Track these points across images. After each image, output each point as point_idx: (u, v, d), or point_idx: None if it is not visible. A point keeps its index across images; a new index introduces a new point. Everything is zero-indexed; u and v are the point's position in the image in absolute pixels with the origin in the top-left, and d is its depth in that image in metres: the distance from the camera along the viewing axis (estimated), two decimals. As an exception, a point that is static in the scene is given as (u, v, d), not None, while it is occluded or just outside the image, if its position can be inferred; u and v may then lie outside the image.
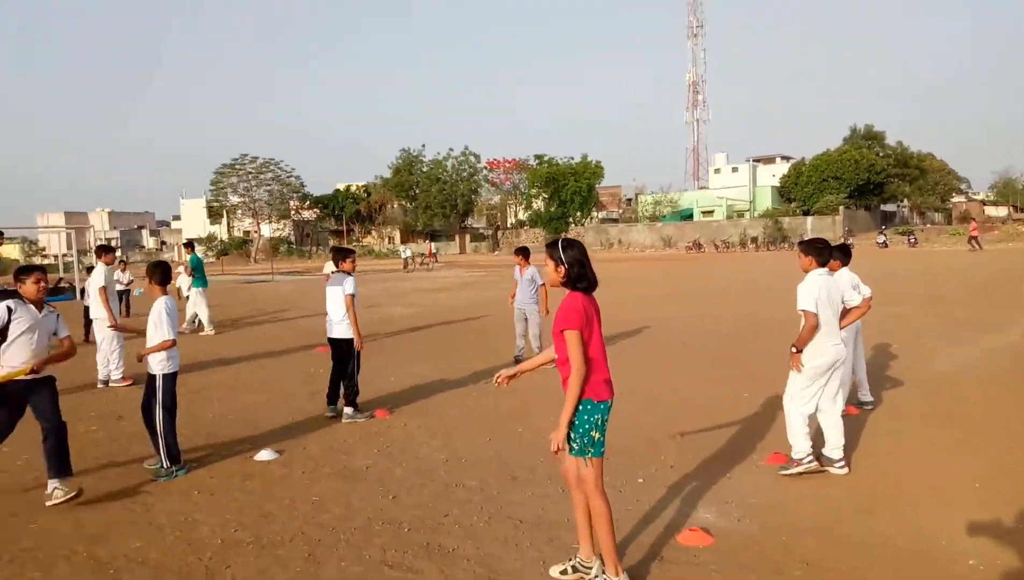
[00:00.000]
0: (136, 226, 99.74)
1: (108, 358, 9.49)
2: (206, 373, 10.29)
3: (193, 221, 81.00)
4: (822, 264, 5.54)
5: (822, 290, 5.42)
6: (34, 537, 4.66)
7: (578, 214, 66.87)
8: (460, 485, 5.43)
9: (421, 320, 16.21)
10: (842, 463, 5.42)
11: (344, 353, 7.44)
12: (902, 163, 67.80)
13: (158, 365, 5.79)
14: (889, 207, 73.54)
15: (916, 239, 47.91)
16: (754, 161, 75.60)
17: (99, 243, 13.71)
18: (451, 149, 72.34)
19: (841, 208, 57.76)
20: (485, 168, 72.29)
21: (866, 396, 7.40)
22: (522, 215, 74.35)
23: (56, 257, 69.39)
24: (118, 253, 13.36)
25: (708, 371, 9.44)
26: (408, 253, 44.82)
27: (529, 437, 6.60)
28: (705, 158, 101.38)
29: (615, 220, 76.33)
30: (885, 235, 48.82)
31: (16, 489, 5.58)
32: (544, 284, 10.02)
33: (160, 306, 5.80)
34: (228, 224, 76.69)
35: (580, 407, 3.80)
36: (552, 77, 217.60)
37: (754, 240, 55.54)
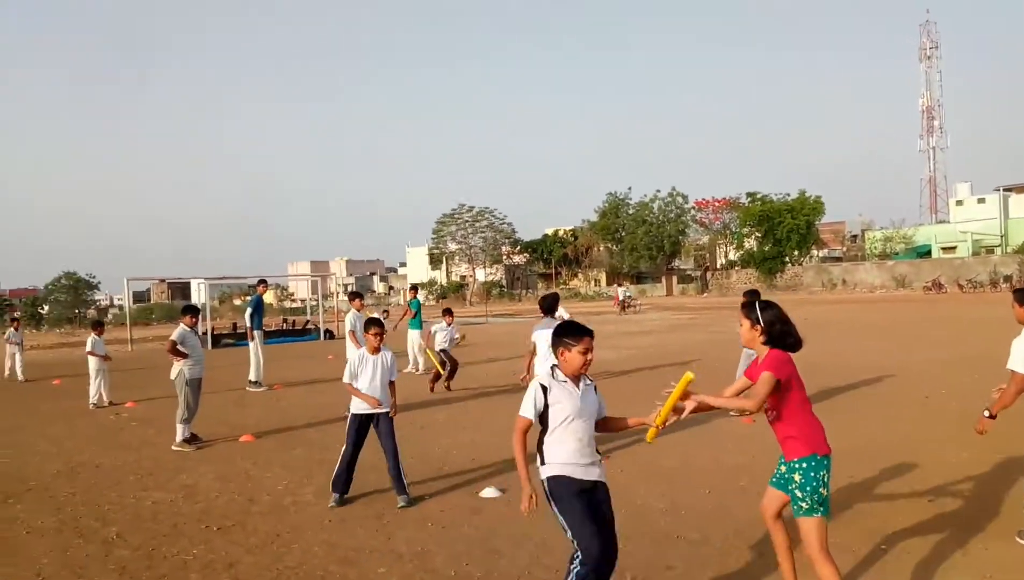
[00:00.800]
0: (368, 273, 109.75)
1: None
2: (430, 411, 11.00)
3: (416, 267, 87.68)
4: None
5: None
6: (296, 556, 5.24)
7: (795, 253, 63.30)
8: (681, 537, 5.31)
9: (629, 363, 16.13)
10: None
11: None
12: None
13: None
14: None
15: None
16: (1004, 190, 67.00)
17: (350, 289, 15.31)
18: (658, 190, 72.00)
19: (1121, 240, 49.34)
20: (693, 208, 70.98)
21: None
22: (733, 255, 71.84)
23: (303, 301, 78.30)
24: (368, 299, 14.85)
25: (951, 429, 8.44)
26: (629, 293, 43.90)
27: (755, 491, 6.29)
28: (944, 189, 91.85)
29: (838, 258, 71.13)
30: None
31: (279, 510, 6.32)
32: None
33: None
34: (447, 269, 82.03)
35: (807, 464, 3.63)
36: (768, 111, 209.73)
37: (1007, 278, 48.92)
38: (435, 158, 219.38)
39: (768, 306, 3.94)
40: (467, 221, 75.49)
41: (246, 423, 10.58)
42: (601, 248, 76.12)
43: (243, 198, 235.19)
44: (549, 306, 8.32)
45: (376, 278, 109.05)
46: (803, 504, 3.65)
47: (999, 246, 61.52)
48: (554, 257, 76.79)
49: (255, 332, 14.17)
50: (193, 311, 9.83)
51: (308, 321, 31.90)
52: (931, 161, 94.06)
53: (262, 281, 15.12)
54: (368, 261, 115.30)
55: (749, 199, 66.19)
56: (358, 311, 11.07)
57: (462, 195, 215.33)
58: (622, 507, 5.99)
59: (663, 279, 72.56)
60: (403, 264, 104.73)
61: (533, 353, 8.05)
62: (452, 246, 77.40)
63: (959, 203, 69.77)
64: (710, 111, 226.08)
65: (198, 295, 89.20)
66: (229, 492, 6.95)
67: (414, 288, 18.44)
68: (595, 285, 75.29)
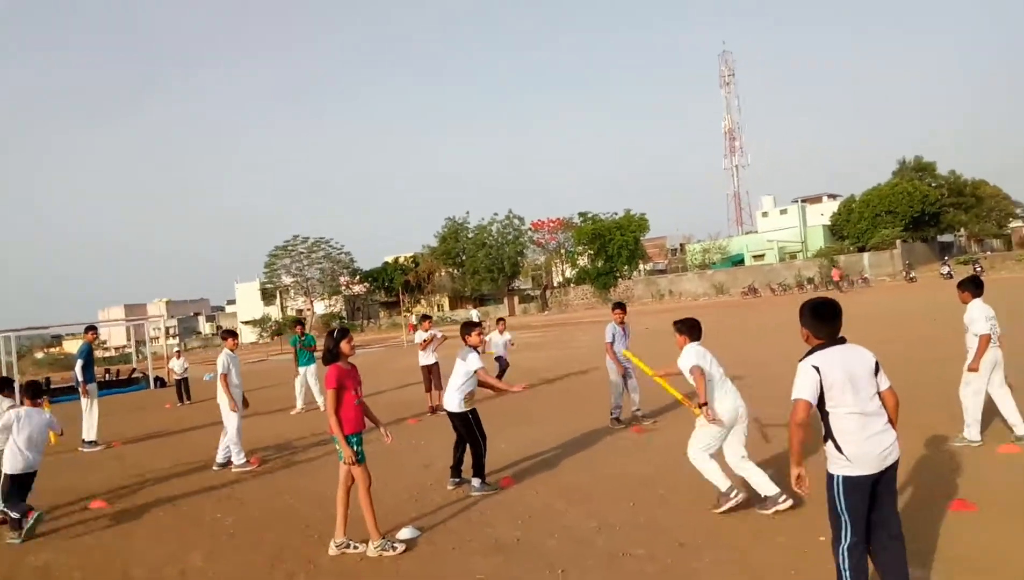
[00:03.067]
0: (193, 313, 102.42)
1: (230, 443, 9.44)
2: (317, 448, 10.18)
3: (248, 304, 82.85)
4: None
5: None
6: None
7: (625, 268, 66.64)
8: (627, 554, 5.12)
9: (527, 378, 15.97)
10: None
11: (456, 426, 7.30)
12: (956, 192, 66.28)
13: None
14: (946, 237, 71.66)
15: (982, 268, 46.33)
16: (802, 201, 74.77)
17: (224, 328, 13.79)
18: (495, 213, 73.18)
19: (898, 242, 56.46)
20: (530, 229, 72.80)
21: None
22: (568, 273, 74.39)
23: (118, 349, 71.41)
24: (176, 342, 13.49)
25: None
26: (478, 316, 43.38)
27: (676, 500, 6.27)
28: (747, 203, 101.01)
29: (663, 271, 75.79)
30: (949, 266, 47.38)
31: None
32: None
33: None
34: (281, 304, 78.26)
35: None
36: (588, 133, 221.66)
37: (810, 280, 54.39)
38: (262, 191, 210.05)
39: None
40: (302, 253, 72.57)
41: (91, 488, 9.22)
42: (443, 273, 76.03)
43: (42, 243, 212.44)
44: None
45: (202, 318, 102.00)
46: None
47: (800, 252, 68.33)
48: (396, 284, 75.60)
49: (88, 385, 12.52)
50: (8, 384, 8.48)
51: (134, 369, 28.96)
52: (735, 178, 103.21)
53: (90, 328, 13.38)
54: (191, 301, 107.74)
55: (581, 219, 68.96)
56: (232, 351, 9.93)
57: (296, 226, 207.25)
58: (553, 531, 5.76)
59: (505, 300, 73.64)
60: (231, 301, 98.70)
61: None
62: (287, 279, 74.00)
63: (764, 215, 76.95)
64: (540, 135, 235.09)
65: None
66: (95, 569, 5.92)
67: (298, 322, 16.95)
68: (439, 310, 74.95)
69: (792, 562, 4.63)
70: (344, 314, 76.72)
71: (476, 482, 7.14)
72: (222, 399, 9.46)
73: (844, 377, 3.66)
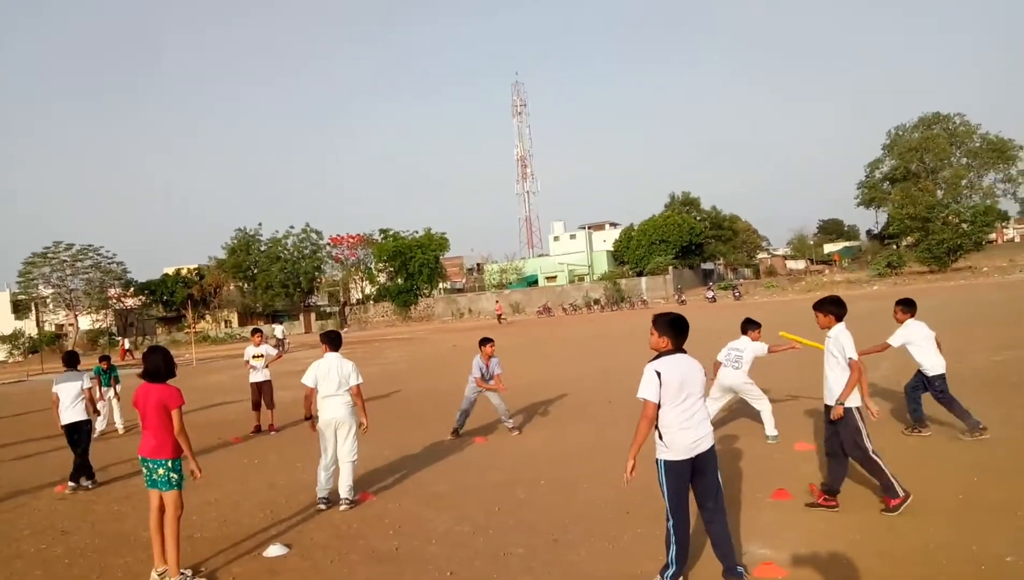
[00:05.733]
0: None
1: None
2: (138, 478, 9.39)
3: (-6, 316, 72.25)
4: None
5: None
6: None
7: (426, 286, 67.33)
8: (507, 553, 5.46)
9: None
10: None
11: None
12: (716, 225, 75.00)
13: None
14: (708, 265, 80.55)
15: (740, 293, 52.75)
16: (588, 228, 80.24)
17: None
18: (291, 226, 70.63)
19: (670, 268, 62.55)
20: (328, 244, 71.15)
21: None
22: (368, 290, 73.59)
23: None
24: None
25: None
26: (281, 333, 41.06)
27: (537, 501, 6.73)
28: (538, 227, 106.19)
29: (460, 290, 77.52)
30: (713, 290, 53.33)
31: None
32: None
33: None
34: (38, 318, 69.22)
35: None
36: (387, 151, 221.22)
37: (597, 301, 58.56)
38: (21, 187, 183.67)
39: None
40: (65, 261, 64.83)
41: None
42: (231, 287, 71.76)
43: None
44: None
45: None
46: None
47: (587, 274, 73.27)
48: (177, 298, 70.03)
49: None
50: None
51: None
52: (526, 203, 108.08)
53: None
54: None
55: (382, 235, 68.68)
56: None
57: (58, 232, 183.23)
58: (430, 538, 5.95)
59: (300, 316, 71.12)
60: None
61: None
62: (45, 291, 65.67)
63: (556, 239, 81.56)
64: (344, 152, 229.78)
65: None
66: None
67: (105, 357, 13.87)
68: (227, 326, 70.54)
69: (655, 549, 5.24)
70: (115, 329, 69.55)
71: None
72: None
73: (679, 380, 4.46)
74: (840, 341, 5.73)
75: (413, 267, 65.14)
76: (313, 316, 72.46)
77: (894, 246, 66.11)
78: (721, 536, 4.53)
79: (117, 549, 6.32)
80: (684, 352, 4.60)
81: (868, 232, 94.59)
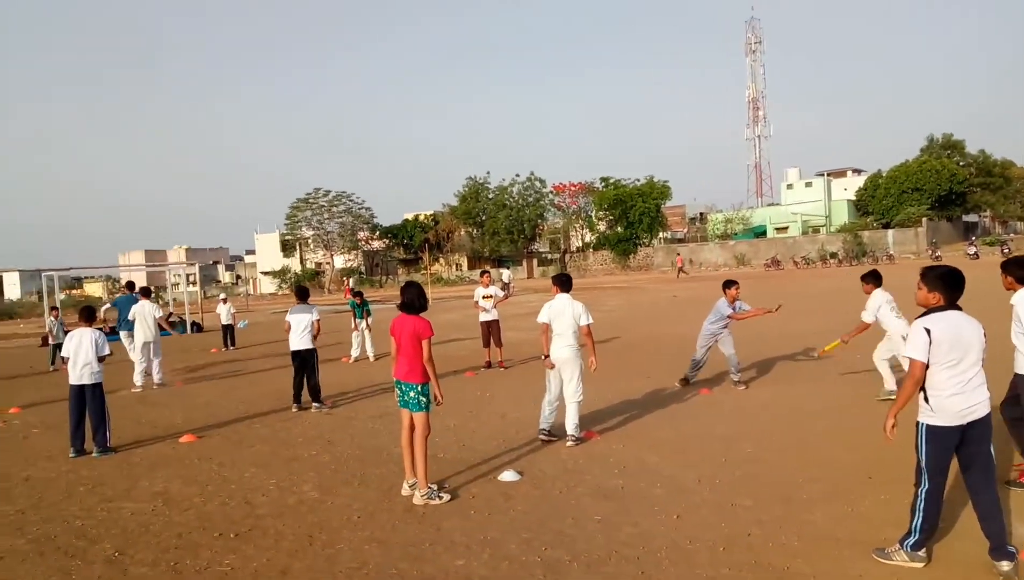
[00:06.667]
0: (212, 262, 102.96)
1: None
2: (378, 395, 10.51)
3: (267, 255, 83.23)
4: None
5: None
6: (351, 557, 4.79)
7: (646, 235, 66.52)
8: (734, 504, 5.38)
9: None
10: None
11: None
12: (985, 172, 65.47)
13: None
14: (971, 218, 71.05)
15: (1010, 249, 46.06)
16: (828, 175, 74.10)
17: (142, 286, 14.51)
18: (517, 175, 72.96)
19: (924, 220, 56.08)
20: (551, 192, 72.59)
21: None
22: (588, 238, 74.33)
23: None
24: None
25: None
26: (507, 277, 42.70)
27: (767, 458, 6.53)
28: (768, 174, 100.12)
29: (681, 240, 75.63)
30: (976, 246, 47.10)
31: (290, 511, 5.77)
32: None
33: None
34: (301, 256, 78.65)
35: None
36: (610, 97, 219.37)
37: (833, 255, 54.25)
38: (288, 143, 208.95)
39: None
40: (323, 206, 72.52)
41: (174, 423, 9.60)
42: (462, 232, 76.08)
43: (64, 187, 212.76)
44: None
45: (221, 267, 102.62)
46: None
47: (824, 226, 67.98)
48: (415, 242, 75.79)
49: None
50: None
51: (171, 313, 29.44)
52: (757, 148, 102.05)
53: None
54: (211, 249, 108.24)
55: (603, 184, 68.67)
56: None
57: (318, 180, 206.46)
58: (655, 481, 5.97)
59: (523, 262, 73.79)
60: (251, 252, 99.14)
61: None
62: (307, 232, 74.22)
63: (789, 187, 76.29)
64: (563, 103, 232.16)
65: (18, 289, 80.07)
66: (215, 496, 6.25)
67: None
68: (457, 269, 75.23)
69: (900, 515, 4.87)
70: (363, 269, 77.14)
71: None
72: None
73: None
74: (1016, 309, 5.19)
75: (633, 216, 64.52)
76: (535, 262, 74.81)
77: None
78: (991, 510, 4.08)
79: (374, 460, 7.14)
80: (959, 309, 4.17)
81: None
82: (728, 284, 9.98)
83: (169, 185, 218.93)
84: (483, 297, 13.03)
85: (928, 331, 4.03)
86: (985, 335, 4.15)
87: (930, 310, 4.15)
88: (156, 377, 12.91)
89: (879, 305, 8.32)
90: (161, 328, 13.03)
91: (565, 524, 5.16)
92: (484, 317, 12.93)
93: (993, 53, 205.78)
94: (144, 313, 12.60)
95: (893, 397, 7.99)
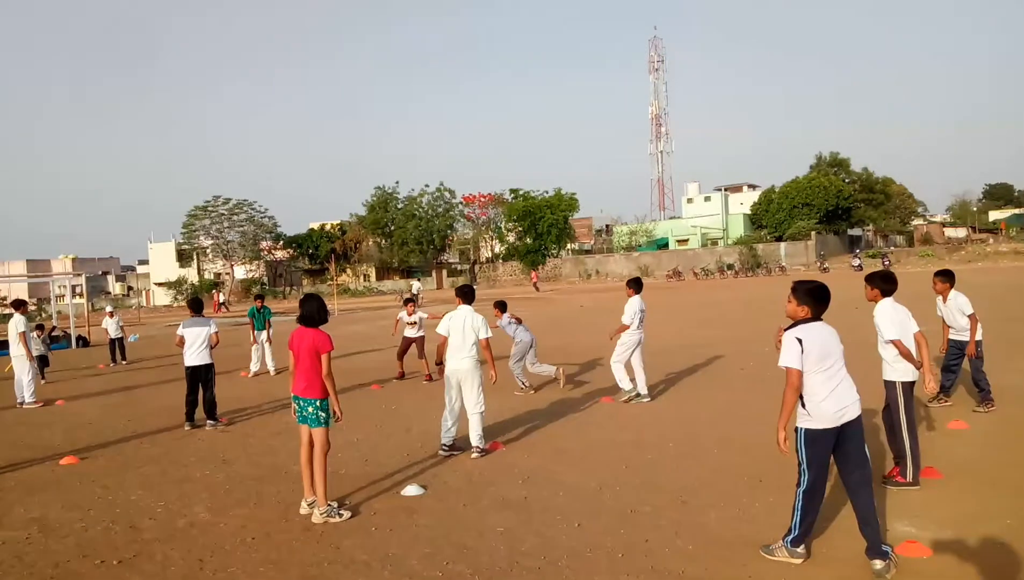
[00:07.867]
0: (101, 272, 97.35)
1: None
2: (277, 410, 10.18)
3: (162, 265, 79.48)
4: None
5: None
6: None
7: (554, 246, 67.49)
8: (634, 511, 5.49)
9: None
10: None
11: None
12: (867, 188, 70.01)
13: None
14: (855, 232, 75.70)
15: (889, 261, 49.34)
16: (725, 190, 77.36)
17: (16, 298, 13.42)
18: (426, 185, 72.62)
19: (813, 233, 59.32)
20: (461, 203, 72.63)
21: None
22: (497, 249, 74.72)
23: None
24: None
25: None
26: (416, 288, 43.34)
27: (665, 462, 6.71)
28: (670, 188, 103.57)
29: (588, 251, 77.18)
30: (860, 258, 50.18)
31: (179, 534, 5.49)
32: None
33: None
34: (198, 266, 75.51)
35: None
36: (519, 111, 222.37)
37: (730, 267, 56.64)
38: (183, 150, 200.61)
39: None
40: (223, 214, 70.07)
41: (54, 444, 8.99)
42: (370, 243, 75.03)
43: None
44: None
45: (111, 278, 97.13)
46: None
47: (722, 239, 70.85)
48: (321, 252, 74.13)
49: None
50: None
51: (55, 327, 27.61)
52: (659, 163, 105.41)
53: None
54: (101, 259, 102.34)
55: (512, 195, 69.25)
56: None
57: (216, 188, 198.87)
58: (558, 490, 6.04)
59: (433, 273, 73.43)
60: (144, 261, 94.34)
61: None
62: (205, 241, 71.42)
63: (690, 201, 79.20)
64: (472, 114, 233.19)
65: None
66: (97, 521, 5.87)
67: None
68: (365, 280, 74.06)
69: (787, 519, 5.10)
70: (265, 280, 74.78)
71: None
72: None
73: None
74: (876, 320, 5.90)
75: (542, 227, 65.25)
76: (445, 273, 74.58)
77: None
78: (867, 510, 4.34)
79: (272, 479, 6.90)
80: (822, 320, 4.45)
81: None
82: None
83: (54, 191, 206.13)
84: (408, 324, 12.78)
85: (800, 341, 4.25)
86: (840, 340, 4.44)
87: (797, 322, 4.38)
88: (19, 396, 12.08)
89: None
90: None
91: (468, 537, 5.13)
92: (409, 332, 12.75)
93: (879, 74, 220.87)
94: (10, 327, 11.91)
95: (635, 396, 9.48)
